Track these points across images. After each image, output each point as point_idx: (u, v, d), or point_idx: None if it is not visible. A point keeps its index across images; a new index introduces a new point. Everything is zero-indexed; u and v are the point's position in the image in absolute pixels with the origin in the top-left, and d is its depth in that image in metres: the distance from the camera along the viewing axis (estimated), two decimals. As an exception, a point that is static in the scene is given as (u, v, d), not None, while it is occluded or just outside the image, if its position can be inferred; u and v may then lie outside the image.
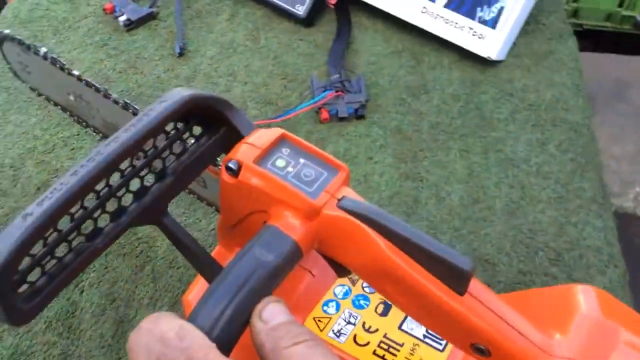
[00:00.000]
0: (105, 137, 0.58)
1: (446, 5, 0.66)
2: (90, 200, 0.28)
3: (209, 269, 0.33)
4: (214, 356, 0.23)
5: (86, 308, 0.49)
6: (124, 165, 0.30)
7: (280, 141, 0.31)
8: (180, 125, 0.32)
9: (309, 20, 0.72)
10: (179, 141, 0.33)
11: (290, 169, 0.30)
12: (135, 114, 0.52)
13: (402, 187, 0.58)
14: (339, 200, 0.29)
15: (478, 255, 0.53)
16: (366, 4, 0.72)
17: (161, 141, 0.31)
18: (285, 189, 0.29)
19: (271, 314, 0.26)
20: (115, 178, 0.30)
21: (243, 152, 0.30)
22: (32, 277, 0.28)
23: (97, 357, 0.46)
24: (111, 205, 0.30)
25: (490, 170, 0.59)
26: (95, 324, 0.48)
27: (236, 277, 0.27)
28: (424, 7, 0.67)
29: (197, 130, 0.33)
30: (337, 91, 0.64)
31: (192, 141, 0.33)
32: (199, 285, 0.38)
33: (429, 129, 0.63)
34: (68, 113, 0.56)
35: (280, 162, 0.30)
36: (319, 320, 0.37)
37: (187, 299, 0.38)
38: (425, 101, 0.66)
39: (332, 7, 0.73)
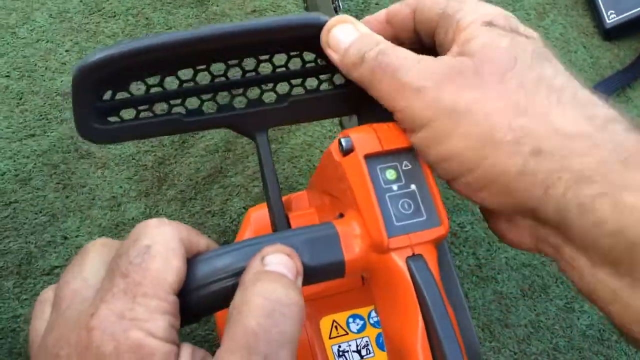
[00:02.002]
0: None
1: None
2: (205, 77, 0.28)
3: (274, 211, 0.31)
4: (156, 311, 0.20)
5: (206, 138, 0.51)
6: (250, 66, 0.28)
7: (406, 151, 0.26)
8: (322, 62, 0.30)
9: (610, 34, 0.59)
10: (315, 78, 0.31)
11: (395, 187, 0.25)
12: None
13: (538, 266, 0.49)
14: (413, 254, 0.24)
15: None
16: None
17: (296, 66, 0.30)
18: (370, 207, 0.25)
19: (274, 261, 0.23)
20: (237, 76, 0.29)
21: (364, 139, 0.26)
22: (124, 115, 0.28)
23: (180, 184, 0.49)
24: (222, 98, 0.30)
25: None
26: (200, 157, 0.50)
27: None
28: None
29: (339, 79, 0.30)
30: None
31: (330, 87, 0.31)
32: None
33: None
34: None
35: (390, 174, 0.26)
36: (336, 327, 0.34)
37: (250, 212, 0.36)
38: None
39: (650, 37, 0.59)
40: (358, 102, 0.30)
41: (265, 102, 0.30)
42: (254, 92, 0.30)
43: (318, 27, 0.28)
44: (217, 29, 0.27)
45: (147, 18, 0.55)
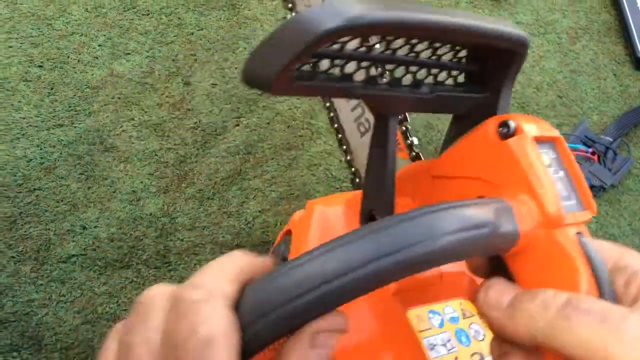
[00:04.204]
0: None
1: None
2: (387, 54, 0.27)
3: (386, 194, 0.32)
4: None
5: (228, 140, 0.51)
6: (403, 52, 0.28)
7: (551, 141, 0.28)
8: (472, 67, 0.30)
9: (642, 63, 0.59)
10: (462, 75, 0.30)
11: (551, 171, 0.27)
12: None
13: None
14: (578, 232, 0.26)
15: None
16: None
17: (448, 57, 0.30)
18: (547, 185, 0.26)
19: (323, 344, 0.22)
20: (404, 51, 0.28)
21: (527, 124, 0.27)
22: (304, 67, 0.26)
23: (199, 183, 0.49)
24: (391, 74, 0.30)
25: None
26: (221, 158, 0.51)
27: (377, 244, 0.20)
28: None
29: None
30: (592, 153, 0.53)
31: (466, 85, 0.31)
32: (329, 200, 0.37)
33: None
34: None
35: (546, 159, 0.27)
36: (421, 321, 0.35)
37: (312, 205, 0.36)
38: (671, 239, 0.52)
39: (681, 69, 0.59)
40: (488, 100, 0.30)
41: (414, 89, 0.30)
42: (401, 74, 0.29)
43: (518, 42, 0.28)
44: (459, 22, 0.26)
45: (179, 18, 0.56)
